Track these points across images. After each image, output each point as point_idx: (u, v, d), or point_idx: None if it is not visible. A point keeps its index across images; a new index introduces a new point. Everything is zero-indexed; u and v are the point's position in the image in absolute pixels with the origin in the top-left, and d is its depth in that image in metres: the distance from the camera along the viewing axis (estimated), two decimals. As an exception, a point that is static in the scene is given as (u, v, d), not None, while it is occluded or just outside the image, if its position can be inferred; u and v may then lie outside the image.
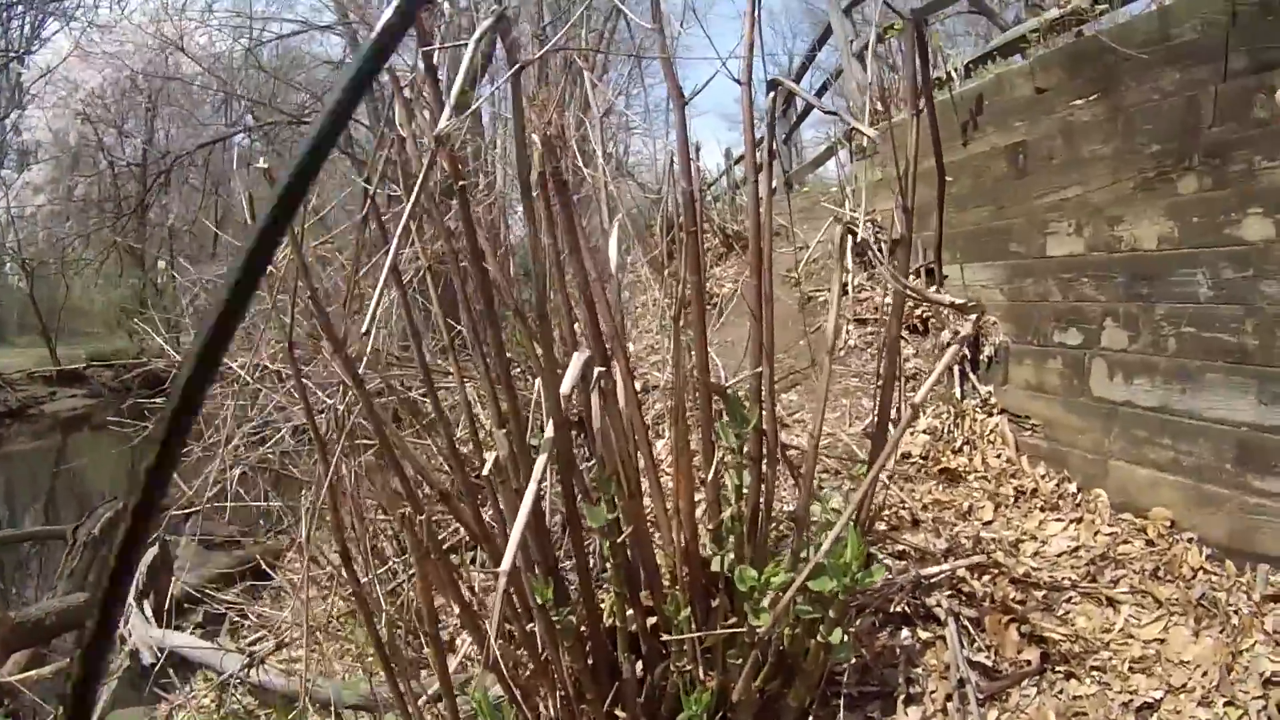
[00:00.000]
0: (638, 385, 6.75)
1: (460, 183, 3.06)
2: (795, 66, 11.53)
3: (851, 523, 2.88)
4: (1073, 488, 4.93)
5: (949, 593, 3.81)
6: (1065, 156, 5.16)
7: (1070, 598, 3.87)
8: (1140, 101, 4.59)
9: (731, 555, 3.19)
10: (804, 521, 3.23)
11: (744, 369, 3.51)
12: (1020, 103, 5.54)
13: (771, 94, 4.27)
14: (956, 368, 6.02)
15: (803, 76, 11.66)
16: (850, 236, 2.84)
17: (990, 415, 5.70)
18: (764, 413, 3.21)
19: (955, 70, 6.63)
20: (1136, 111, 4.62)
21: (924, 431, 5.60)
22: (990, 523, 4.65)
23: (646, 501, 3.39)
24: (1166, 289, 4.45)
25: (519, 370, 4.91)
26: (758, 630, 2.94)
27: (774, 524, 4.01)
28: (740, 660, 3.08)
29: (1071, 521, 4.56)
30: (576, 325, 3.29)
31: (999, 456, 5.40)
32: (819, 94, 11.09)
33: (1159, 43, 4.44)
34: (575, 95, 5.83)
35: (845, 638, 2.97)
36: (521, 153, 2.94)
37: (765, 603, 2.96)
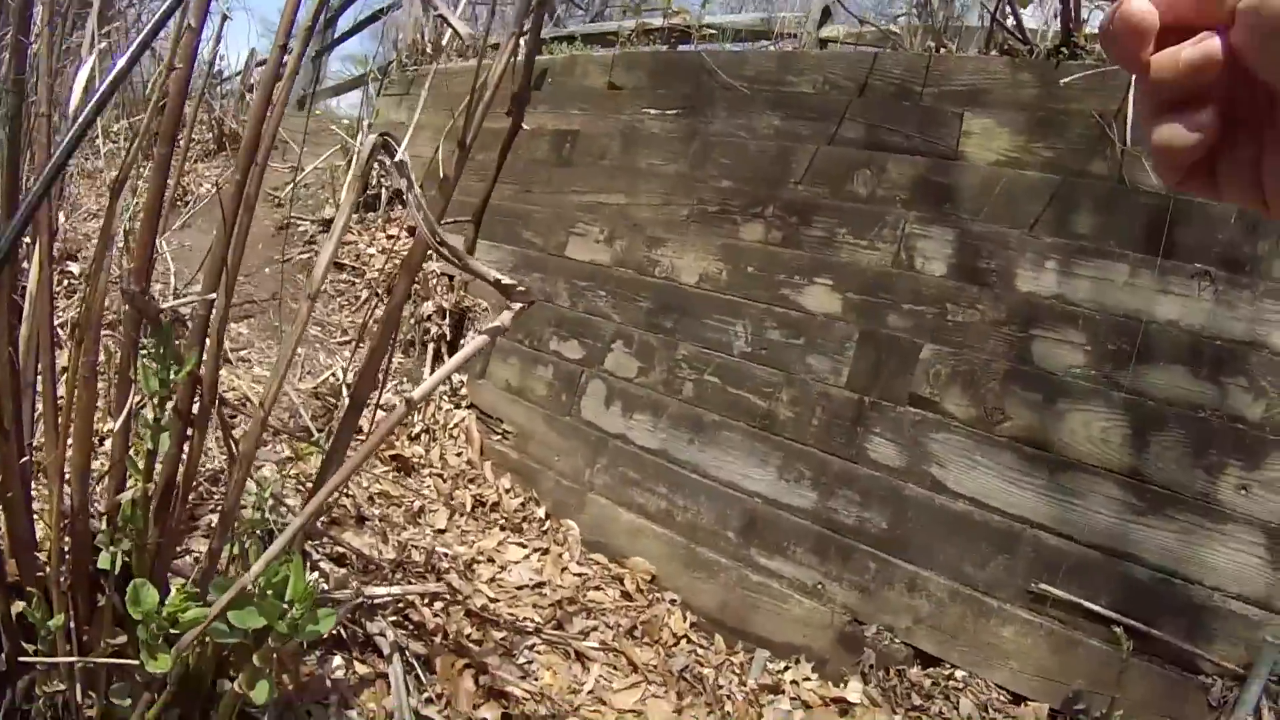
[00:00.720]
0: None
1: None
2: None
3: (297, 545, 1.98)
4: (541, 512, 4.31)
5: (394, 618, 2.96)
6: (619, 161, 4.63)
7: (534, 644, 3.20)
8: (725, 133, 4.17)
9: (128, 549, 2.07)
10: (230, 517, 2.21)
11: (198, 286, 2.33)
12: (587, 92, 4.95)
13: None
14: (431, 344, 5.22)
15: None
16: (385, 151, 1.92)
17: (458, 408, 4.94)
18: (207, 356, 2.12)
19: (525, 43, 5.91)
20: (718, 142, 4.19)
21: (380, 407, 4.70)
22: (443, 532, 3.86)
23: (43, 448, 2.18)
24: (697, 330, 4.03)
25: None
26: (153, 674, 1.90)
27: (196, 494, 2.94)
28: (129, 700, 2.01)
29: (536, 550, 3.92)
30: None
31: (460, 456, 4.64)
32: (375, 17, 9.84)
33: (770, 84, 4.06)
34: None
35: (270, 689, 2.01)
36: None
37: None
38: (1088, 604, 2.99)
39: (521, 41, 3.30)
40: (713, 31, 5.02)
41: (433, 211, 3.32)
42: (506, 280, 2.53)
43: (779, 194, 3.90)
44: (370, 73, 8.07)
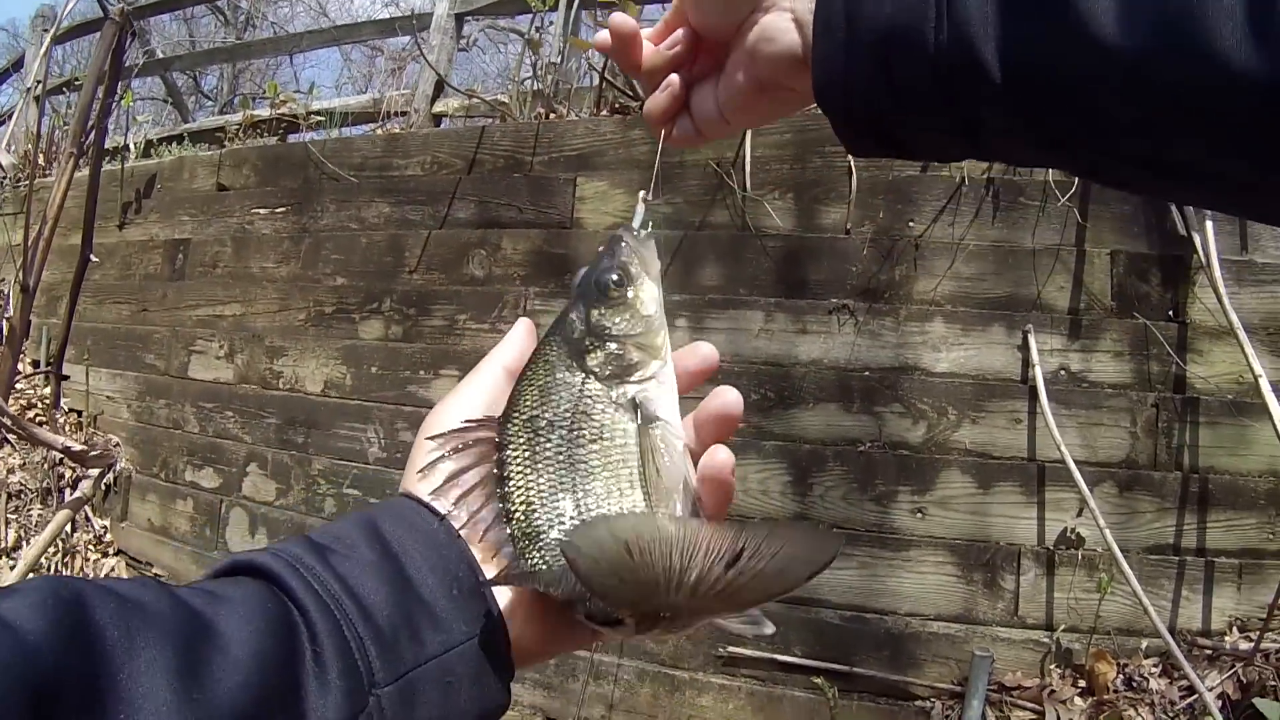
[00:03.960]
0: None
1: None
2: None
3: None
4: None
5: None
6: (233, 268, 3.71)
7: None
8: (335, 227, 3.37)
9: None
10: None
11: None
12: (197, 196, 3.98)
13: None
14: (68, 490, 4.08)
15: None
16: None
17: (106, 556, 3.88)
18: None
19: (136, 144, 4.81)
20: (329, 237, 3.37)
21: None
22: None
23: None
24: (328, 441, 3.19)
25: None
26: None
27: None
28: None
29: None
30: None
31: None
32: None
33: (377, 170, 3.30)
34: None
35: None
36: None
37: None
38: (781, 657, 2.53)
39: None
40: (321, 118, 4.17)
41: (13, 354, 2.37)
42: (77, 447, 1.79)
43: (394, 286, 3.14)
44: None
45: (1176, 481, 2.49)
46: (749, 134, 2.66)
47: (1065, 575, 2.48)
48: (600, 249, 0.61)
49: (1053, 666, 2.49)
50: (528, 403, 0.56)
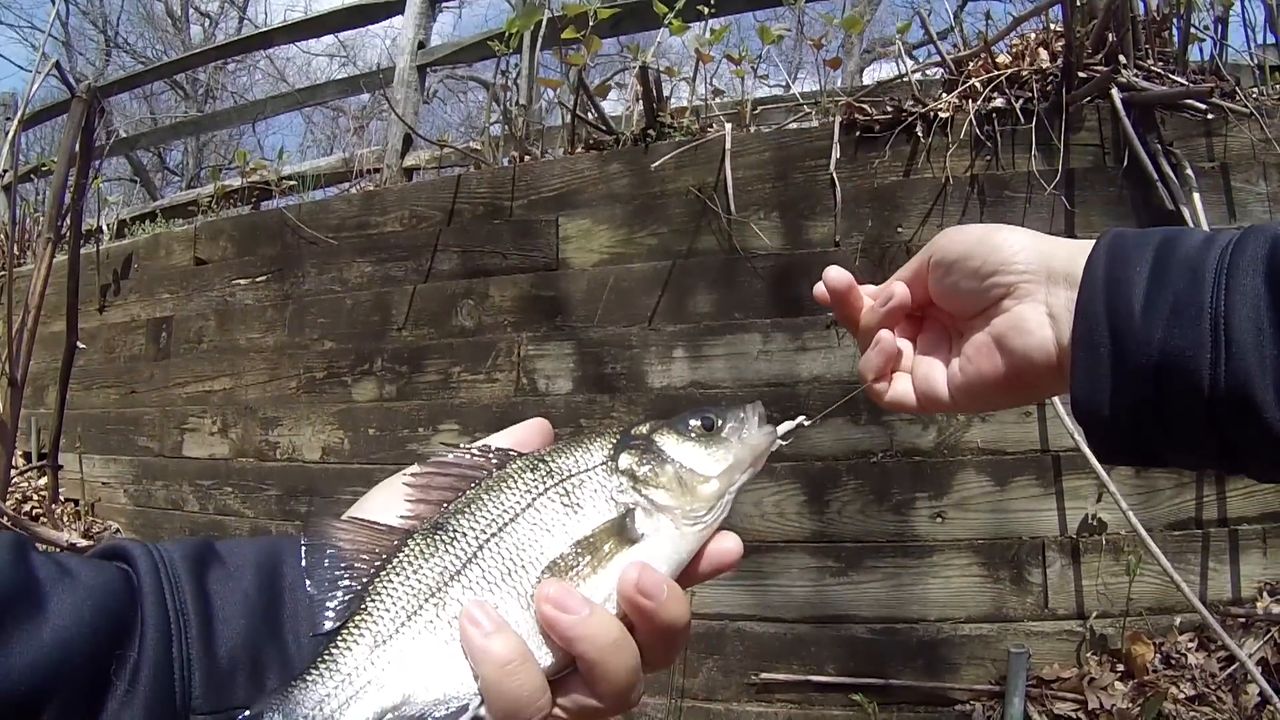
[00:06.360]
0: None
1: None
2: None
3: None
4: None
5: None
6: (218, 342, 3.65)
7: None
8: (318, 291, 3.31)
9: None
10: None
11: None
12: (175, 272, 3.92)
13: None
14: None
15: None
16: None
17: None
18: None
19: (109, 225, 4.74)
20: (313, 302, 3.32)
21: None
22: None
23: None
24: (331, 508, 3.12)
25: None
26: None
27: None
28: None
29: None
30: None
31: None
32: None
33: (356, 230, 3.25)
34: None
35: None
36: None
37: None
38: (816, 678, 2.47)
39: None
40: (293, 182, 4.13)
41: (8, 448, 2.32)
42: (82, 543, 1.85)
43: (384, 345, 3.09)
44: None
45: (1191, 455, 2.46)
46: (728, 155, 2.63)
47: (1092, 562, 2.44)
48: (731, 402, 0.60)
49: (1089, 654, 2.45)
50: (552, 448, 0.56)
